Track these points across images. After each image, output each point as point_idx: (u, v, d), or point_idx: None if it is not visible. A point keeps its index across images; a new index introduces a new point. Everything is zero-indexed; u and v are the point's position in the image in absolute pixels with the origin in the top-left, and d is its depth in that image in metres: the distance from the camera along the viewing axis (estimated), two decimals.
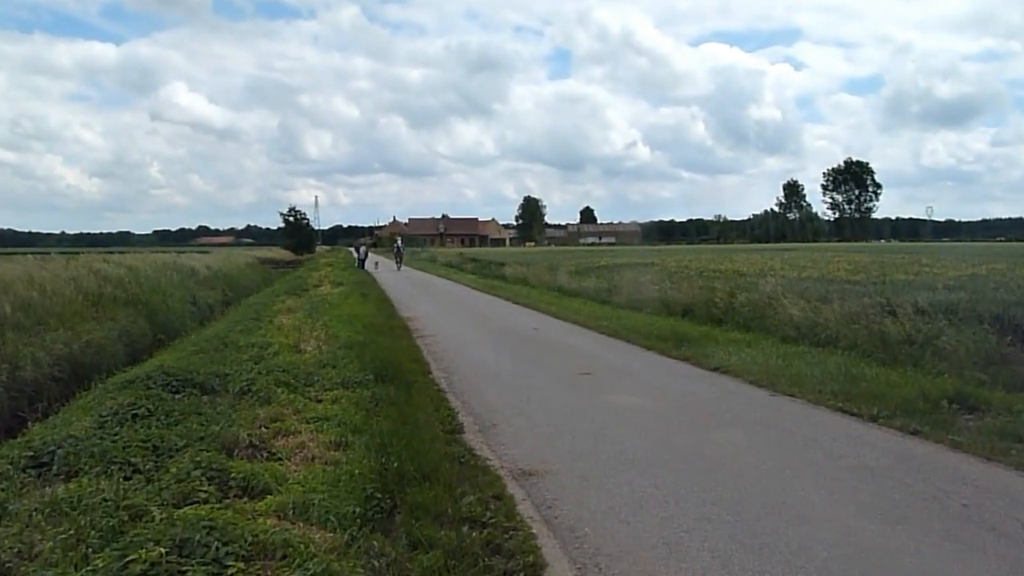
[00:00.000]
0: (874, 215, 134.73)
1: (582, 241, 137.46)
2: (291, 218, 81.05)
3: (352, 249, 57.64)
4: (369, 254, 45.14)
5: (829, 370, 9.46)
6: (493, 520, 4.98)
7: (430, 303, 22.34)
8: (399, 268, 43.08)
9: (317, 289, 24.10)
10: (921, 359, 9.53)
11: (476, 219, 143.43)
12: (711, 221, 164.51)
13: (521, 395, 9.00)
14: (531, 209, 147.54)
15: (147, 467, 5.22)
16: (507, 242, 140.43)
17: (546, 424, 7.62)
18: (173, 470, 5.05)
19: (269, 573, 3.78)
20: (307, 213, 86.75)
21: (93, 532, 4.05)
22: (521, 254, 54.42)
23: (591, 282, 22.64)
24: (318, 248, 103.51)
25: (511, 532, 4.83)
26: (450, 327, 16.13)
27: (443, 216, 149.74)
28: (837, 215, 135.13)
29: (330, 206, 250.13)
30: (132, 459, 5.32)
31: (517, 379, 10.06)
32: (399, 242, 48.08)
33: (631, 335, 13.57)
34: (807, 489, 5.60)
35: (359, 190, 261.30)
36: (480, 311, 19.78)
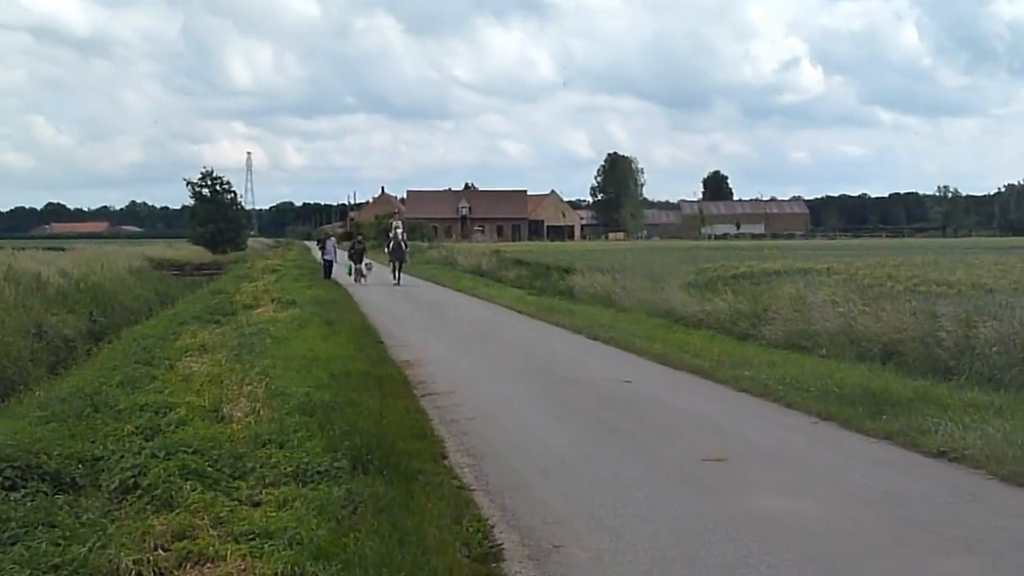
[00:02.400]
0: None
1: (706, 231, 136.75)
2: (205, 190, 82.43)
3: (315, 245, 57.46)
4: (365, 257, 42.86)
5: None
6: None
7: (444, 336, 22.45)
8: (397, 280, 40.68)
9: (251, 312, 24.39)
10: None
11: (524, 192, 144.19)
12: (931, 198, 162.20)
13: (603, 496, 9.00)
14: (619, 176, 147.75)
15: None
16: (577, 232, 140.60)
17: (647, 547, 7.61)
18: None
19: None
20: (233, 182, 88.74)
21: None
22: (602, 252, 54.22)
23: (724, 302, 22.50)
24: (252, 241, 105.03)
25: None
26: (479, 378, 16.18)
27: (466, 187, 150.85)
28: None
29: (272, 170, 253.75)
30: None
31: (596, 469, 10.05)
32: (399, 232, 42.98)
33: (792, 394, 13.46)
34: None
35: (321, 143, 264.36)
36: (530, 351, 19.84)
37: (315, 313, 23.80)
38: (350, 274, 42.13)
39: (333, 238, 49.31)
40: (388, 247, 43.37)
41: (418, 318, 27.32)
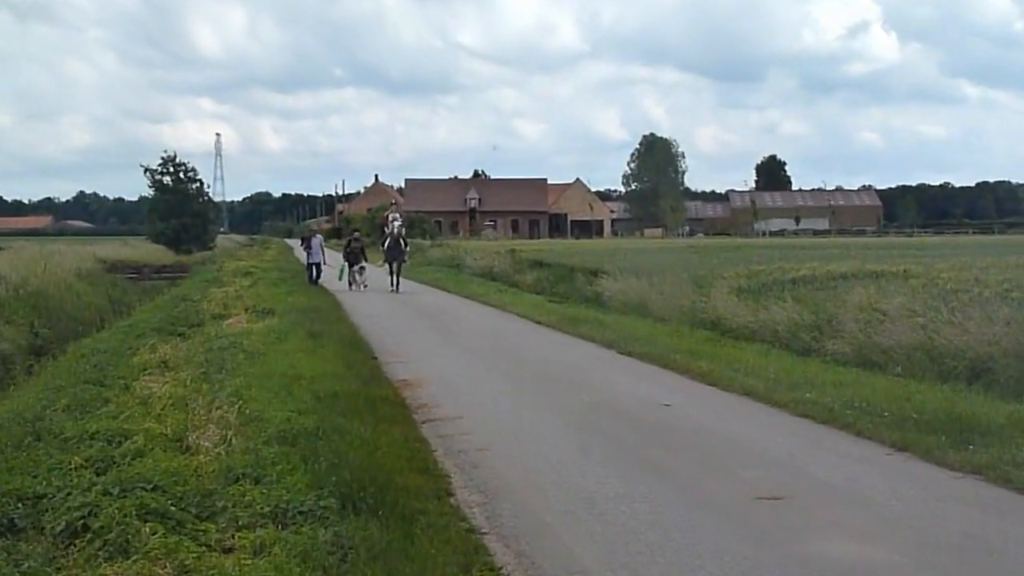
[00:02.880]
0: None
1: (760, 226, 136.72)
2: (167, 179, 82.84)
3: (299, 245, 57.33)
4: (364, 258, 41.39)
5: None
6: None
7: (448, 351, 22.50)
8: (395, 285, 39.88)
9: (221, 322, 24.43)
10: None
11: (543, 181, 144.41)
12: None
13: (638, 541, 8.97)
14: (656, 162, 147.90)
15: None
16: (607, 227, 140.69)
17: None
18: None
19: None
20: (199, 169, 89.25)
21: None
22: (637, 252, 54.17)
23: (781, 310, 22.45)
24: (221, 239, 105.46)
25: None
26: (490, 401, 16.17)
27: (475, 175, 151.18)
28: None
29: (246, 155, 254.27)
30: None
31: (630, 509, 10.02)
32: (396, 226, 41.40)
33: (862, 420, 13.40)
34: None
35: (303, 122, 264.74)
36: (551, 369, 19.87)
37: (297, 324, 23.83)
38: (341, 278, 41.28)
39: (319, 236, 48.73)
40: (383, 245, 42.49)
41: (419, 329, 27.38)
